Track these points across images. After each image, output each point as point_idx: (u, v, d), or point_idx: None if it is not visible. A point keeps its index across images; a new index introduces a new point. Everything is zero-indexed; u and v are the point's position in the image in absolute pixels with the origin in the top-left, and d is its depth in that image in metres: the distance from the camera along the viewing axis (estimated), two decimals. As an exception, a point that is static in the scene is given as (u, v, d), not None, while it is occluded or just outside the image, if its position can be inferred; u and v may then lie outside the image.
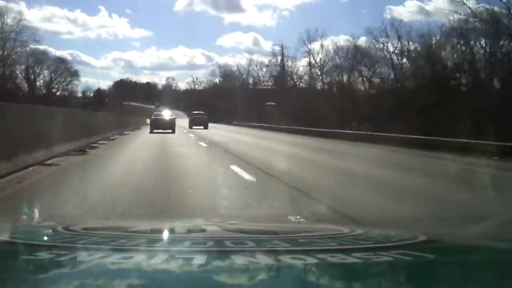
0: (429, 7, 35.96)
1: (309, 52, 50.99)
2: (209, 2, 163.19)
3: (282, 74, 57.73)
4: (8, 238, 1.43)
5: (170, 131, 27.78)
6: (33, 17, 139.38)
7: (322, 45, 49.71)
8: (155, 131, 27.91)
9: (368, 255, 1.24)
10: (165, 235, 1.76)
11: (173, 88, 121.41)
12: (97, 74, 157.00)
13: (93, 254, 1.21)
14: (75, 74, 71.77)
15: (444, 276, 1.14)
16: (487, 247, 1.56)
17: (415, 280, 1.15)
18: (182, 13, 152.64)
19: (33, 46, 52.17)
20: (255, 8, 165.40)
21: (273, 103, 48.92)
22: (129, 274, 1.08)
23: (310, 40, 50.89)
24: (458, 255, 1.43)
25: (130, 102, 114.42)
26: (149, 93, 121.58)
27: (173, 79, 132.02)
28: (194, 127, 39.27)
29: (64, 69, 67.26)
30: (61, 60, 67.37)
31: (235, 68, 72.23)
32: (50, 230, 1.74)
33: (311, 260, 1.17)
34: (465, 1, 27.43)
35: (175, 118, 31.36)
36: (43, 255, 1.23)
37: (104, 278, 1.05)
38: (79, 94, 77.48)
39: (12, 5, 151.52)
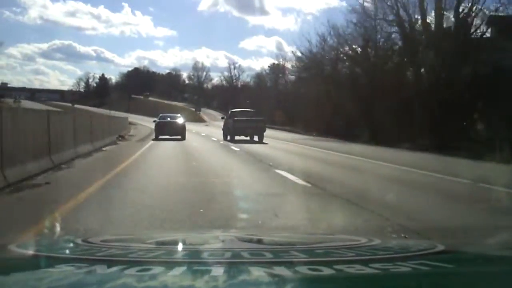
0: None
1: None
2: (233, 4, 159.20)
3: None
4: (29, 251, 1.47)
5: (180, 137, 23.29)
6: (57, 11, 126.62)
7: None
8: (161, 137, 23.24)
9: (386, 265, 1.21)
10: (183, 246, 1.74)
11: (202, 80, 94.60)
12: (121, 72, 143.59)
13: (111, 266, 1.19)
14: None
15: (462, 287, 1.15)
16: (505, 258, 1.54)
17: None
18: (206, 13, 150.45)
19: None
20: (279, 12, 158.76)
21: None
22: (147, 286, 1.07)
23: None
24: (476, 265, 1.40)
25: (141, 96, 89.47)
26: (171, 86, 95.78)
27: (202, 64, 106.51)
28: (237, 137, 22.97)
29: None
30: None
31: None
32: (69, 243, 1.74)
33: (328, 271, 1.15)
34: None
35: (185, 122, 25.52)
36: (62, 267, 1.23)
37: None
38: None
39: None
